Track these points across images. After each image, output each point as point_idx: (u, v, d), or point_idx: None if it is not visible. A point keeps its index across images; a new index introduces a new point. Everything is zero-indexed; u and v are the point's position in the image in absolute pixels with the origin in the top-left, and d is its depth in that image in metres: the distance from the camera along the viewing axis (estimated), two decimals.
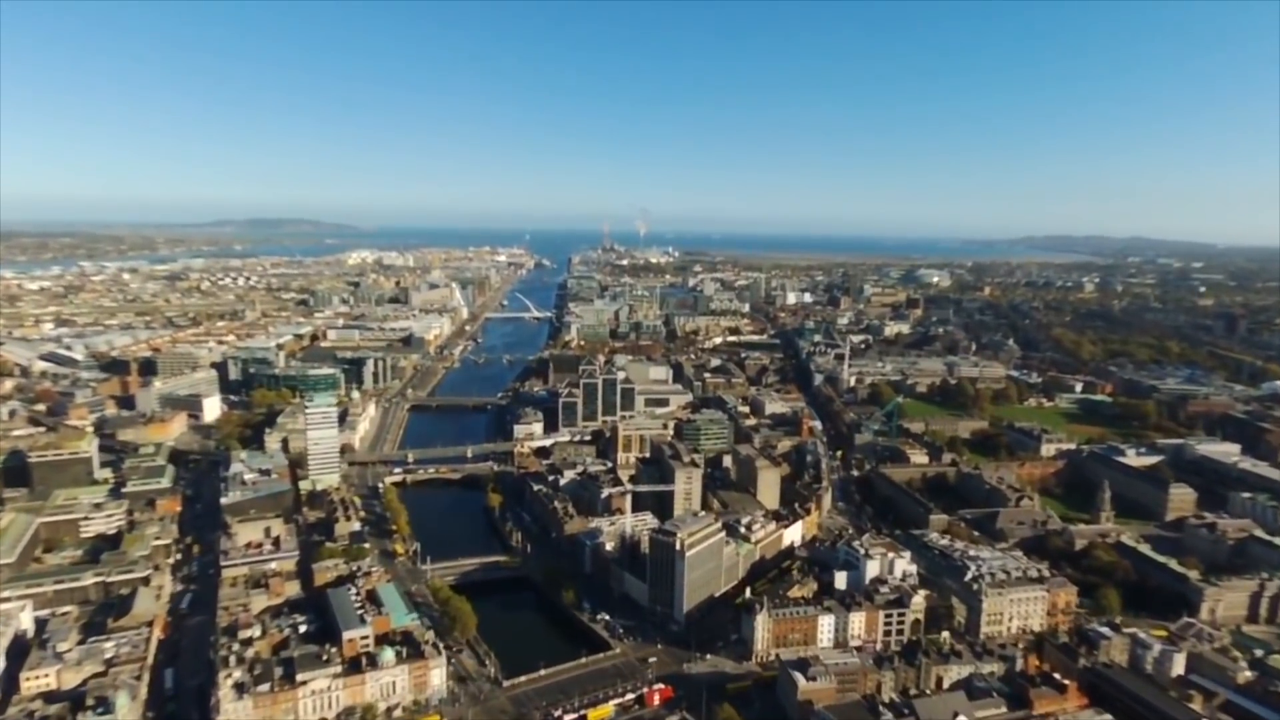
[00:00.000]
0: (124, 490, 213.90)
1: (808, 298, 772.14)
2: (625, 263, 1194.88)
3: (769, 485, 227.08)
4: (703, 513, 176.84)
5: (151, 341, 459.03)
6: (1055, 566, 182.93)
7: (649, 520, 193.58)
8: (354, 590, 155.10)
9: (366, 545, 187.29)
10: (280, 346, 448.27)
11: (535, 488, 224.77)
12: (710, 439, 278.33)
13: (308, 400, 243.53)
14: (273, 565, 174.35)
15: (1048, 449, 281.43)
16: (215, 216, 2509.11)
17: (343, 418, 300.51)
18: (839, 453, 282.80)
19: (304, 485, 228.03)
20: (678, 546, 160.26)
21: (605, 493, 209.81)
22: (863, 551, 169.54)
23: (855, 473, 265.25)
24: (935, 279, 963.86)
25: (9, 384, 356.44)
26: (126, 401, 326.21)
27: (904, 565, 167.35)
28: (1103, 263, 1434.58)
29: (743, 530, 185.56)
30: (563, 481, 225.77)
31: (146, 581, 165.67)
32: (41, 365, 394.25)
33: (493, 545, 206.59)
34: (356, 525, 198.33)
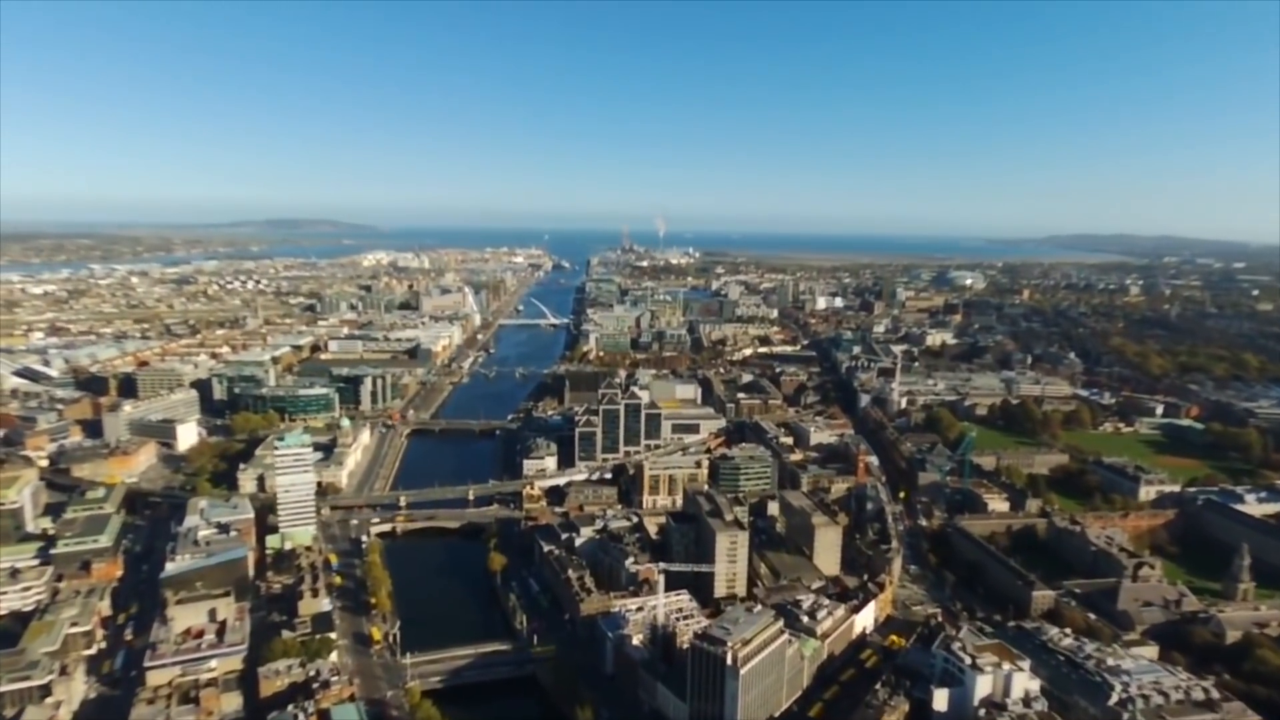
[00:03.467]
0: (53, 551, 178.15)
1: (839, 302, 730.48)
2: (645, 264, 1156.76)
3: (828, 546, 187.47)
4: (758, 607, 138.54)
5: (139, 354, 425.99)
6: (1204, 668, 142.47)
7: (686, 604, 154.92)
8: (301, 717, 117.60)
9: (333, 636, 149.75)
10: (276, 360, 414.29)
11: (546, 548, 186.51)
12: (751, 480, 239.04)
13: (277, 439, 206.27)
14: (212, 665, 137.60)
15: (1147, 492, 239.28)
16: (235, 217, 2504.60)
17: (330, 449, 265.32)
18: (901, 495, 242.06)
19: (271, 543, 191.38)
20: (729, 659, 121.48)
21: (631, 563, 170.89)
22: (967, 660, 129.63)
23: (924, 523, 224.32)
24: (969, 281, 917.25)
25: None
26: (95, 427, 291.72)
27: (1024, 681, 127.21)
28: (1137, 263, 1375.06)
29: (804, 619, 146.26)
30: (579, 540, 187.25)
31: (45, 693, 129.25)
32: (14, 382, 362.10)
33: (492, 624, 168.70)
34: (325, 603, 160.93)
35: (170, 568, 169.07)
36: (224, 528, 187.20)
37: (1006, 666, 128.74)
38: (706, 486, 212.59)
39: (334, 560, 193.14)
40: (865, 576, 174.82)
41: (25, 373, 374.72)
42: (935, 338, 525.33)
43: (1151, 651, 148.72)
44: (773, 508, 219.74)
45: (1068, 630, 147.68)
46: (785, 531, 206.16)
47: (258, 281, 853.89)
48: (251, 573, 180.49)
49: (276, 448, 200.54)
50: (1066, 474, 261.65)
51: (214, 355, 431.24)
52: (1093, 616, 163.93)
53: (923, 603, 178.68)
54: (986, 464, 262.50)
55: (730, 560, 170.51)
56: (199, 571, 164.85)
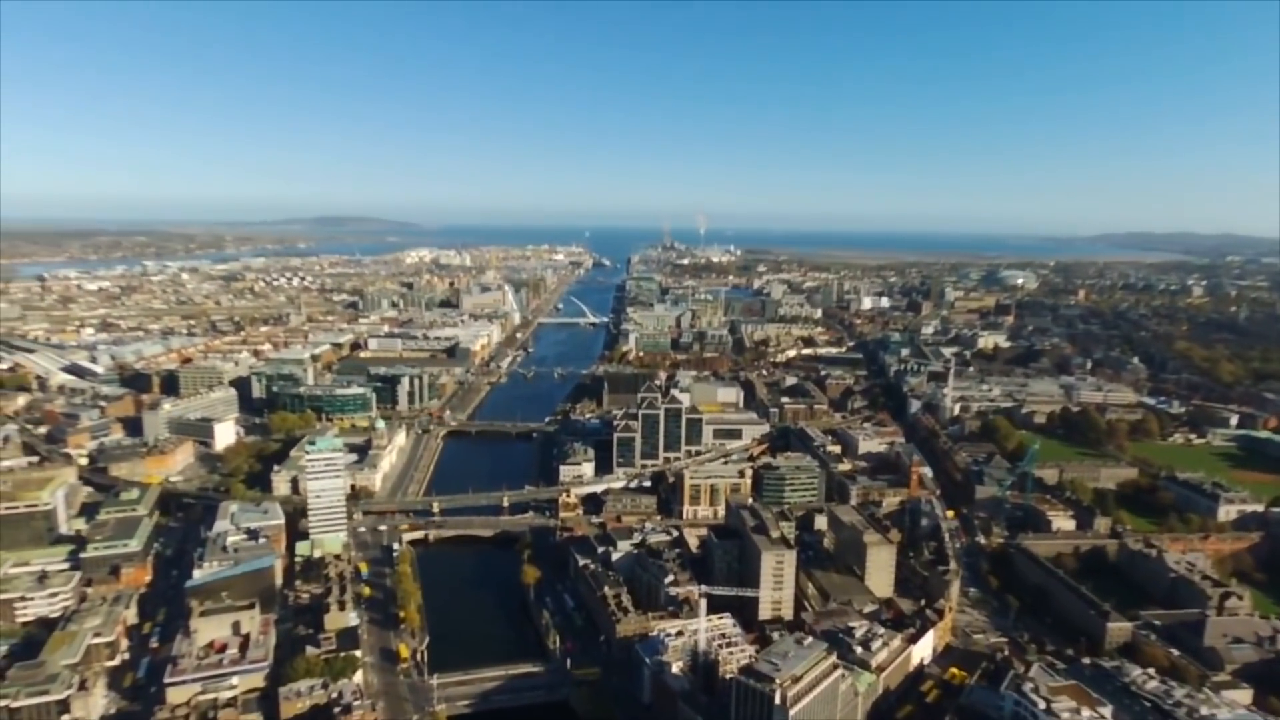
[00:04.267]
0: (83, 555, 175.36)
1: (885, 302, 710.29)
2: (686, 262, 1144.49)
3: (881, 566, 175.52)
4: (808, 639, 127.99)
5: (183, 351, 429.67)
6: None
7: (729, 628, 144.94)
8: None
9: (358, 654, 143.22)
10: (315, 358, 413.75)
11: (581, 563, 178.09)
12: (797, 491, 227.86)
13: (309, 443, 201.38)
14: (233, 682, 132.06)
15: (1226, 511, 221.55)
16: (285, 215, 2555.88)
17: (364, 451, 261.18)
18: (955, 512, 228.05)
19: (301, 549, 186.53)
20: (778, 697, 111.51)
21: (669, 583, 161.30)
22: (1041, 703, 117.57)
23: (982, 540, 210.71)
24: (1020, 281, 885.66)
25: (21, 400, 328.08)
26: (136, 425, 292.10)
27: None
28: (1197, 262, 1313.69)
29: (858, 649, 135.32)
30: (616, 555, 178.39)
31: (64, 709, 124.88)
32: (61, 378, 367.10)
33: (525, 643, 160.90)
34: (352, 617, 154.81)
35: (197, 575, 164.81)
36: (254, 534, 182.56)
37: (1086, 712, 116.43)
38: (750, 498, 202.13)
39: (364, 569, 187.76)
40: (922, 601, 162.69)
41: (73, 369, 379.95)
42: (987, 340, 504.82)
43: (1245, 696, 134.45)
44: (820, 522, 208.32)
45: (1151, 671, 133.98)
46: (834, 548, 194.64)
47: (303, 278, 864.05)
48: (280, 581, 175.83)
49: (308, 451, 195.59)
50: (1136, 490, 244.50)
51: (255, 352, 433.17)
52: (1175, 653, 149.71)
53: (984, 631, 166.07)
54: (1048, 477, 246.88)
55: (776, 582, 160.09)
56: (226, 581, 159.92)
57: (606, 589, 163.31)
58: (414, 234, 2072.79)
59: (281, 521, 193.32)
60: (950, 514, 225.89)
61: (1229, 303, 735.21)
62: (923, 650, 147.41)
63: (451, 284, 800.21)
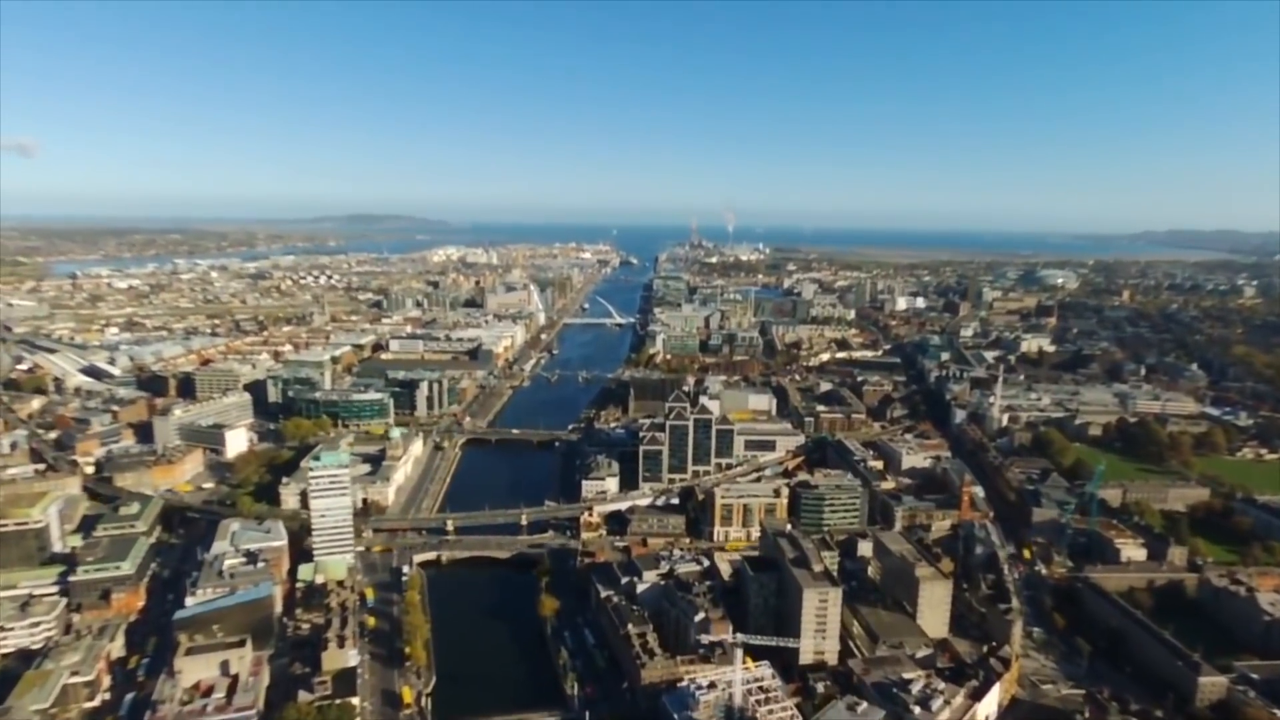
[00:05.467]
0: (71, 579, 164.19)
1: (920, 303, 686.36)
2: (714, 260, 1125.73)
3: (935, 604, 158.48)
4: (862, 705, 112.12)
5: (203, 352, 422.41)
6: None
7: (767, 679, 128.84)
8: None
9: (355, 701, 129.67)
10: (336, 359, 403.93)
11: (603, 594, 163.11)
12: (837, 512, 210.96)
13: (313, 457, 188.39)
14: None
15: None
16: (318, 212, 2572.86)
17: (379, 461, 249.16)
18: (1025, 545, 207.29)
19: (303, 573, 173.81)
20: None
21: (700, 622, 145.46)
22: None
23: (1043, 570, 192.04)
24: (1059, 280, 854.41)
25: (36, 403, 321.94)
26: (148, 430, 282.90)
27: None
28: (1245, 261, 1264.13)
29: (916, 710, 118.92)
30: (641, 587, 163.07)
31: None
32: (79, 380, 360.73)
33: (541, 685, 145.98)
34: (352, 656, 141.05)
35: (189, 604, 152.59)
36: (253, 557, 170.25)
37: None
38: (788, 523, 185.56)
39: (371, 595, 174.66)
40: (984, 649, 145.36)
41: (91, 370, 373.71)
42: (1031, 344, 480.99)
43: None
44: (863, 547, 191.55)
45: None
46: (880, 578, 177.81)
47: (330, 277, 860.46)
48: (279, 608, 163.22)
49: (311, 467, 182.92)
50: (1209, 513, 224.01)
51: (276, 354, 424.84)
52: (1278, 711, 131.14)
53: (1054, 680, 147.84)
54: (1110, 498, 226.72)
55: (820, 624, 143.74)
56: (218, 612, 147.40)
57: (631, 627, 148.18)
58: (443, 232, 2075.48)
59: (284, 542, 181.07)
60: (1025, 552, 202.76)
61: None
62: (988, 707, 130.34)
63: (477, 283, 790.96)
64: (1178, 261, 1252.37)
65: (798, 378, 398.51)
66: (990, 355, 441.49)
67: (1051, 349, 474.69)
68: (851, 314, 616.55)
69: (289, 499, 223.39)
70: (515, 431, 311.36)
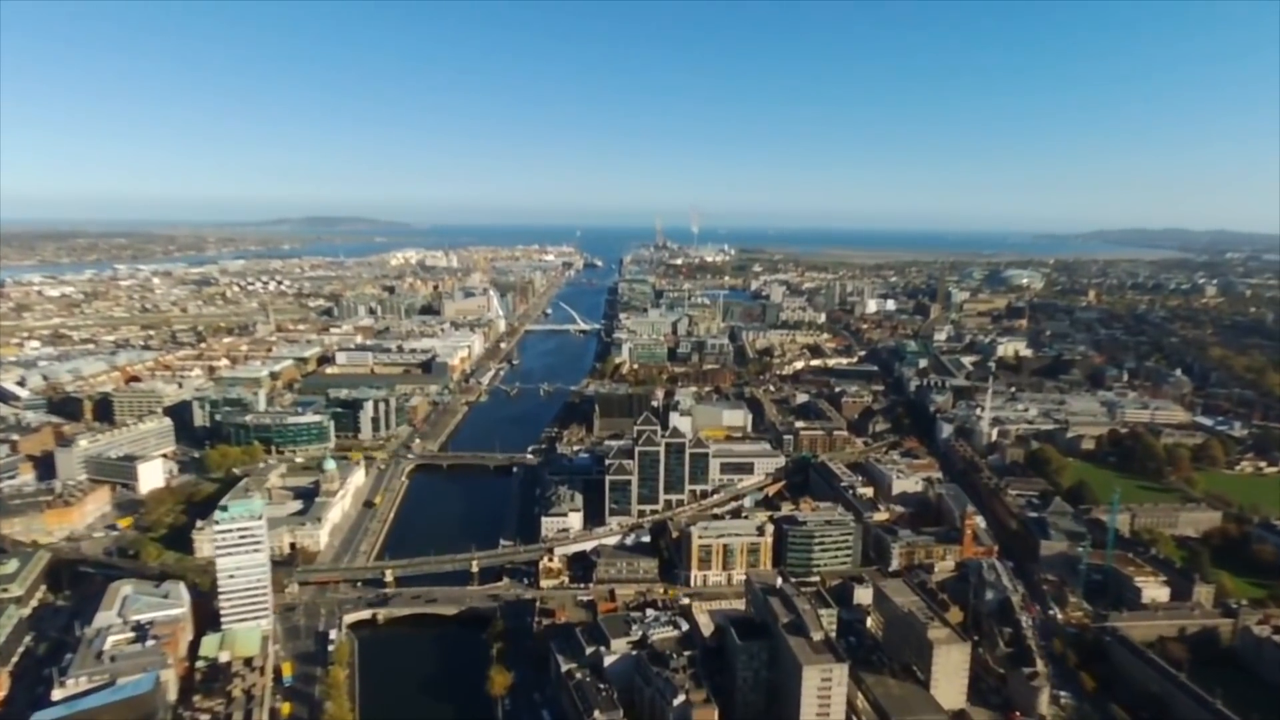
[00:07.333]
0: None
1: (890, 305, 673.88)
2: (680, 262, 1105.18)
3: (951, 671, 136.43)
4: None
5: (128, 368, 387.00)
6: None
7: None
8: None
9: None
10: (275, 375, 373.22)
11: (565, 667, 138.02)
12: (828, 551, 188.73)
13: (220, 509, 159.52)
14: None
15: None
16: (275, 215, 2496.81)
17: (311, 496, 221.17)
18: (1024, 582, 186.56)
19: (206, 647, 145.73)
20: None
21: (681, 706, 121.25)
22: None
23: (1057, 614, 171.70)
24: (1025, 280, 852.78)
25: None
26: (50, 464, 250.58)
27: None
28: (1197, 259, 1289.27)
29: None
30: (609, 659, 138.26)
31: None
32: None
33: None
34: None
35: (55, 697, 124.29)
36: (143, 632, 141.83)
37: None
38: (776, 575, 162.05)
39: (288, 672, 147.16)
40: None
41: None
42: (1007, 348, 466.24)
43: None
44: (861, 594, 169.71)
45: None
46: (883, 635, 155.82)
47: (279, 282, 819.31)
48: (174, 695, 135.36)
49: (217, 521, 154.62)
50: (1225, 539, 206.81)
51: (211, 369, 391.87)
52: None
53: None
54: (1119, 524, 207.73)
55: (823, 706, 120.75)
56: (89, 713, 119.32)
57: (598, 714, 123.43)
58: (403, 234, 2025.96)
59: (185, 609, 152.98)
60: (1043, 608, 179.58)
61: (1245, 303, 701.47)
62: None
63: (435, 288, 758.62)
64: (1136, 260, 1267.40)
65: (772, 388, 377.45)
66: (968, 361, 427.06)
67: (1029, 353, 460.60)
68: (822, 317, 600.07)
69: (204, 546, 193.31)
70: (470, 455, 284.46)
